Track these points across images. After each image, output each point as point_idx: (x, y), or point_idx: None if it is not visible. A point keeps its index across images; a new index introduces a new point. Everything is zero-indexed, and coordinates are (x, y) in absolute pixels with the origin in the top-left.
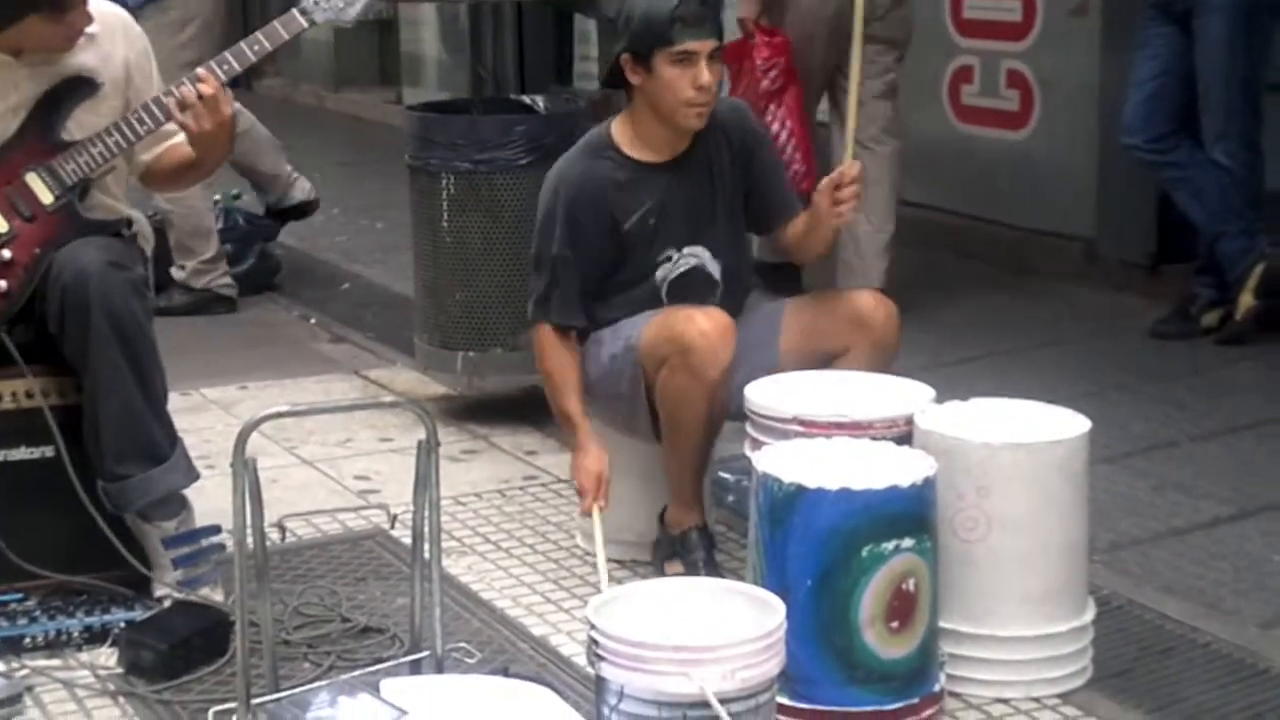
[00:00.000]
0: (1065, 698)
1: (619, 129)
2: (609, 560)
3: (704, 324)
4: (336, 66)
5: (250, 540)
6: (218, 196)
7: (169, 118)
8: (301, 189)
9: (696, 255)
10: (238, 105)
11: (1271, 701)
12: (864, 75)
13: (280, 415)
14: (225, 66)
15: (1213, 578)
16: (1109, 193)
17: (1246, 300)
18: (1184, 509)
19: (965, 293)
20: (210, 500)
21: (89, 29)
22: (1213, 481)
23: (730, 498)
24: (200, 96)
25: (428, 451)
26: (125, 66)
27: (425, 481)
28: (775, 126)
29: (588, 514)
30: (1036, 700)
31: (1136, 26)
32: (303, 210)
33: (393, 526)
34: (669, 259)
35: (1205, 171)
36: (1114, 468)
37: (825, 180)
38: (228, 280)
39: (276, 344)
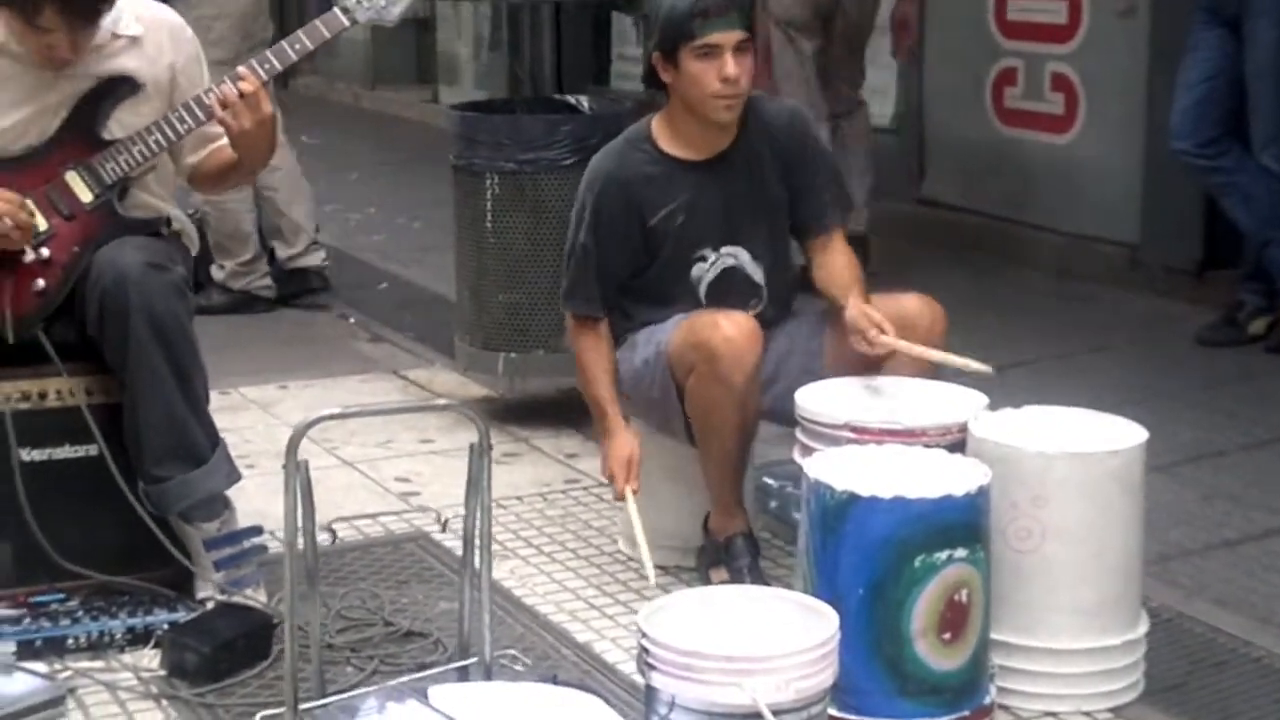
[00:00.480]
0: (1117, 712)
1: (658, 125)
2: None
3: (729, 329)
4: (373, 65)
5: (301, 543)
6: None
7: (210, 117)
8: (318, 256)
9: (735, 256)
10: (283, 139)
11: None
12: None
13: (332, 417)
14: (266, 65)
15: (1265, 591)
16: (1154, 198)
17: None
18: (1235, 519)
19: (1009, 298)
20: (250, 501)
21: (132, 31)
22: (1264, 491)
23: (774, 503)
24: (241, 95)
25: (479, 455)
26: (171, 70)
27: (477, 485)
28: None
29: (621, 499)
30: (1087, 715)
31: (1185, 29)
32: (309, 279)
33: (444, 530)
34: (704, 259)
35: (1254, 177)
36: (1162, 476)
37: (864, 320)
38: (266, 282)
39: (315, 343)
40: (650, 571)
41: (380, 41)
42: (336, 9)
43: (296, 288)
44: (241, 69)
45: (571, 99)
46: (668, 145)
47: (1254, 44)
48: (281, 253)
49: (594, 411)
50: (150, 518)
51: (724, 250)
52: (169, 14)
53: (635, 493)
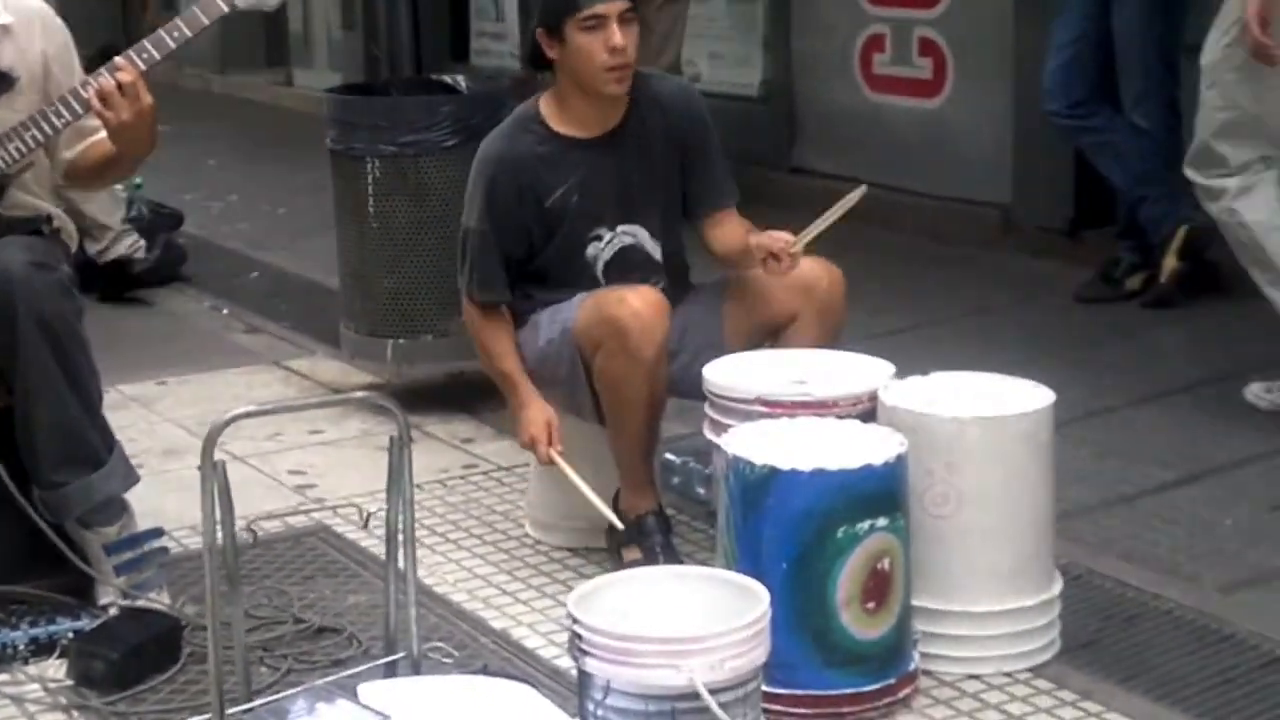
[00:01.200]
0: (1037, 671)
1: (547, 105)
2: (565, 547)
3: (635, 304)
4: (222, 49)
5: (221, 543)
6: (120, 186)
7: (88, 110)
8: (125, 243)
9: (632, 235)
10: None
11: (1239, 667)
12: None
13: (249, 415)
14: (145, 55)
15: (1168, 544)
16: (1025, 159)
17: (1171, 263)
18: (1130, 475)
19: (885, 264)
20: (142, 501)
21: (1, 20)
22: (1155, 446)
23: (676, 480)
24: (119, 86)
25: (400, 448)
26: (43, 60)
27: (398, 478)
28: None
29: (548, 462)
30: (1008, 675)
31: None
32: (128, 267)
33: (366, 525)
34: (599, 237)
35: (1126, 135)
36: (1055, 435)
37: (771, 234)
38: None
39: (190, 336)
40: (612, 517)
41: (229, 24)
42: None
43: (118, 281)
44: (119, 59)
45: (448, 79)
46: (558, 124)
47: (1121, 3)
48: (90, 249)
49: (504, 386)
50: (47, 524)
51: (620, 229)
52: (37, 3)
53: (561, 453)
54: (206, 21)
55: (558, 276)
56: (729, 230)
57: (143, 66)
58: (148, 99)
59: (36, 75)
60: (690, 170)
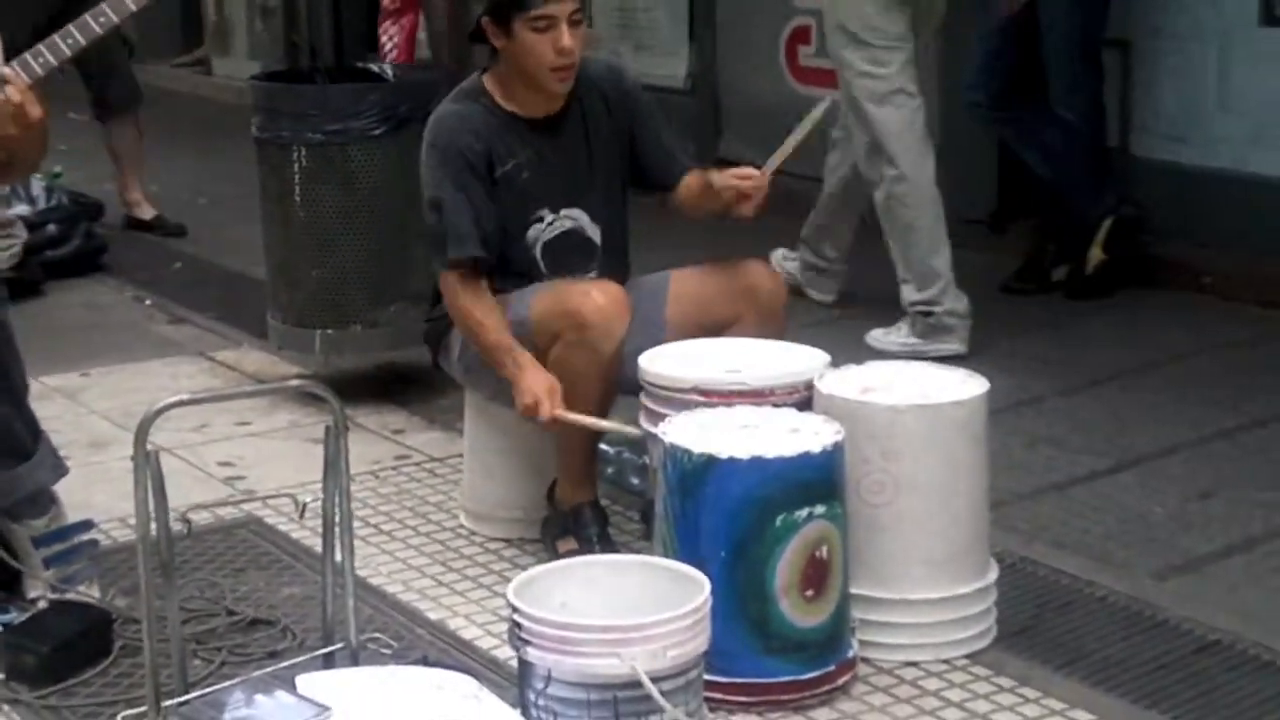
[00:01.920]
0: (974, 658)
1: (491, 82)
2: (499, 537)
3: (599, 298)
4: (138, 36)
5: (155, 535)
6: (39, 175)
7: None
8: None
9: (574, 218)
10: None
11: (1174, 652)
12: None
13: (182, 404)
14: (40, 60)
15: (1099, 531)
16: (948, 150)
17: (1096, 254)
18: (1060, 463)
19: None
20: (70, 494)
21: None
22: (1085, 435)
23: (610, 470)
24: (8, 99)
25: (336, 436)
26: None
27: (335, 467)
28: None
29: (554, 425)
30: (946, 662)
31: None
32: None
33: (302, 516)
34: (541, 219)
35: (1050, 127)
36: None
37: (735, 171)
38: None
39: (113, 327)
40: (631, 429)
41: (144, 11)
42: None
43: None
44: (6, 70)
45: (374, 67)
46: (504, 101)
47: None
48: None
49: (494, 358)
50: None
51: (563, 212)
52: None
53: (565, 410)
54: (133, 7)
55: (498, 259)
56: (691, 180)
57: (39, 72)
58: (35, 112)
59: None
60: (642, 146)
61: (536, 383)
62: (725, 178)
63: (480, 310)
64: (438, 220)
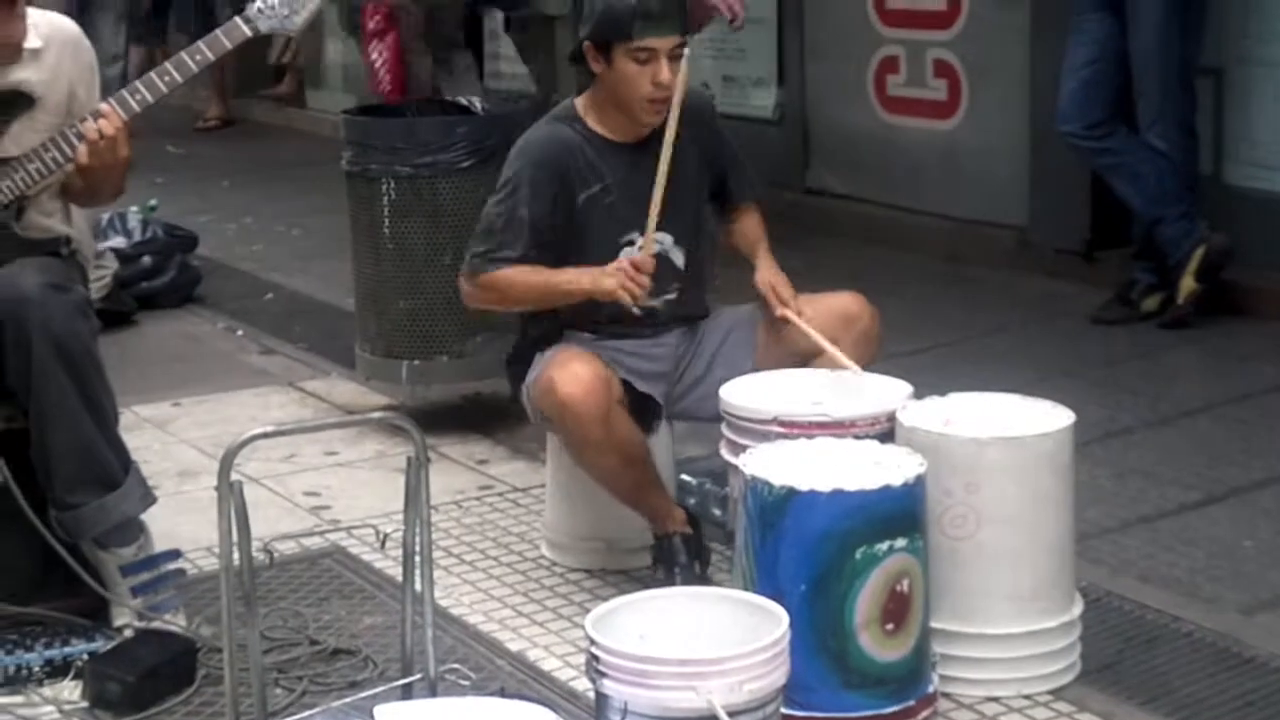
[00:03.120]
0: (1057, 694)
1: (584, 105)
2: (580, 568)
3: (565, 390)
4: (237, 70)
5: (238, 564)
6: (135, 208)
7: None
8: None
9: (660, 242)
10: None
11: (1261, 690)
12: None
13: (265, 436)
14: (138, 97)
15: (1187, 565)
16: (1041, 180)
17: (1188, 284)
18: (1149, 496)
19: (900, 285)
20: (156, 522)
21: (32, 44)
22: (1174, 467)
23: (692, 501)
24: (101, 135)
25: (417, 468)
26: (69, 83)
27: (415, 498)
28: (376, 57)
29: (640, 286)
30: (1028, 698)
31: (1066, 12)
32: None
33: (383, 546)
34: (632, 242)
35: (1142, 157)
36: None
37: (776, 292)
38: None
39: (205, 358)
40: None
41: (241, 45)
42: (238, 19)
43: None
44: (104, 106)
45: (464, 100)
46: (596, 125)
47: (1137, 25)
48: None
49: (557, 293)
50: (62, 545)
51: (643, 235)
52: (69, 25)
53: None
54: (229, 45)
55: None
56: (743, 223)
57: (136, 108)
58: (124, 151)
59: (61, 99)
60: (722, 175)
61: (604, 273)
62: (768, 289)
63: (520, 273)
64: (500, 235)
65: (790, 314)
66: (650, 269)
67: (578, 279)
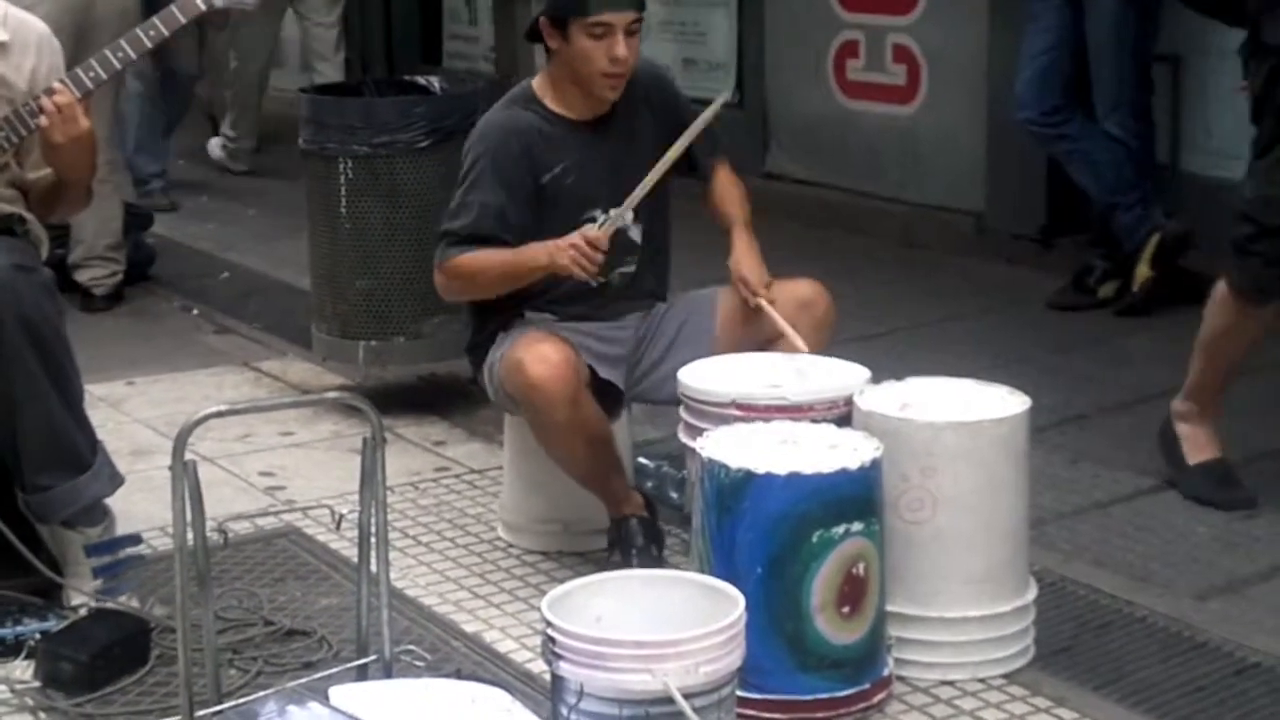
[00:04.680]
0: (1010, 677)
1: (541, 85)
2: (537, 550)
3: (534, 372)
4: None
5: (192, 544)
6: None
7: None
8: (88, 274)
9: (622, 217)
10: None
11: (1214, 674)
12: None
13: (220, 414)
14: (91, 74)
15: (1141, 550)
16: (998, 166)
17: (1143, 271)
18: (1103, 482)
19: (858, 270)
20: (113, 502)
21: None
22: (1129, 453)
23: (650, 484)
24: (57, 108)
25: (374, 448)
26: (32, 77)
27: (371, 479)
28: None
29: (597, 248)
30: (983, 681)
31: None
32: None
33: (338, 527)
34: (592, 219)
35: (1099, 144)
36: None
37: (748, 282)
38: None
39: (159, 337)
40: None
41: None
42: None
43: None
44: (56, 84)
45: (422, 80)
46: (554, 105)
47: (1094, 13)
48: (70, 257)
49: (512, 271)
50: (10, 528)
51: (613, 212)
52: (36, 22)
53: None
54: (183, 20)
55: None
56: (718, 185)
57: (90, 85)
58: (84, 124)
59: (24, 94)
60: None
61: (553, 247)
62: (735, 279)
63: (482, 255)
64: (466, 216)
65: (763, 302)
66: (604, 246)
67: (535, 255)
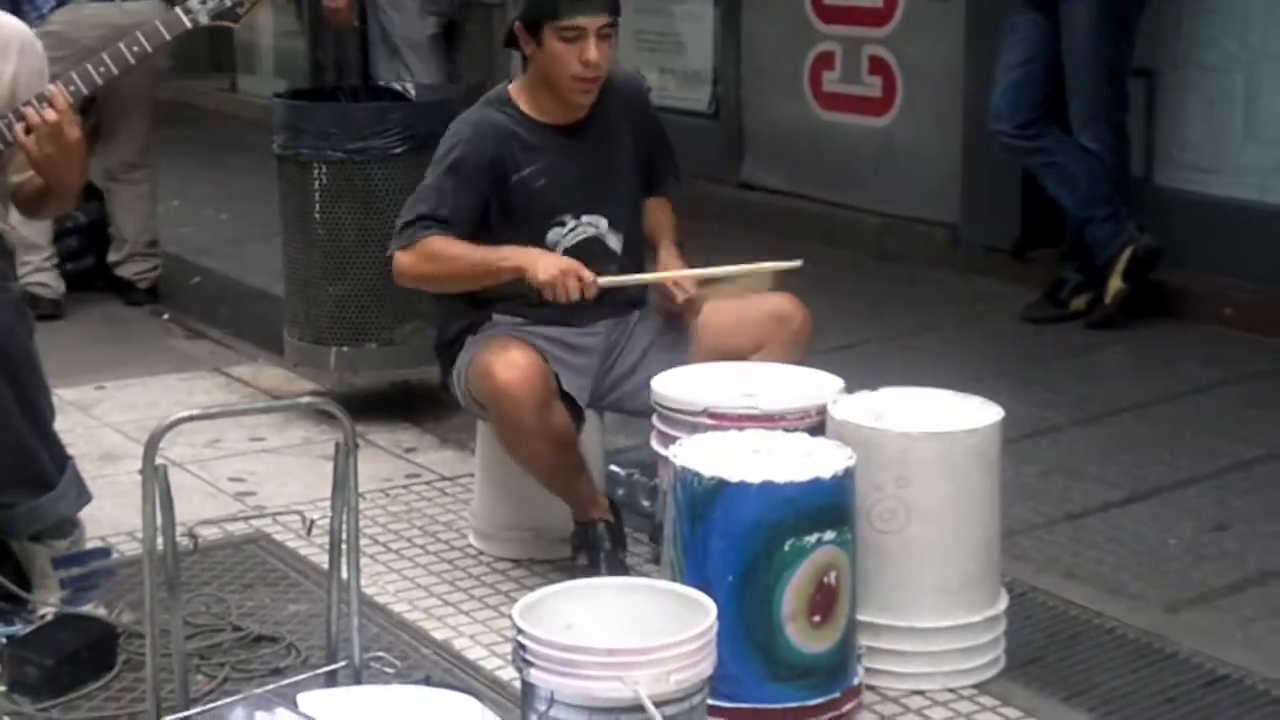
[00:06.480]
0: (981, 687)
1: (517, 90)
2: (508, 558)
3: (502, 376)
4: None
5: (161, 549)
6: None
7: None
8: (132, 269)
9: (595, 225)
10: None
11: (1183, 685)
12: None
13: (191, 419)
14: (72, 87)
15: (1112, 561)
16: (973, 179)
17: (1116, 284)
18: (1075, 494)
19: (832, 281)
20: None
21: None
22: (1100, 465)
23: (621, 491)
24: (44, 120)
25: (346, 454)
26: (13, 83)
27: (343, 485)
28: None
29: (594, 290)
30: (953, 691)
31: (1001, 11)
32: (126, 289)
33: (309, 533)
34: (562, 224)
35: (1073, 156)
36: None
37: (673, 278)
38: (43, 279)
39: (130, 341)
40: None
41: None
42: (179, 10)
43: (118, 292)
44: (51, 88)
45: (398, 86)
46: (529, 109)
47: (1070, 27)
48: (110, 255)
49: (489, 269)
50: None
51: (585, 219)
52: (18, 25)
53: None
54: (168, 37)
55: None
56: (655, 212)
57: (85, 90)
58: (74, 133)
59: (3, 97)
60: (649, 159)
61: (555, 263)
62: (667, 263)
63: (449, 244)
64: (428, 196)
65: (680, 295)
66: (591, 295)
67: (513, 256)
